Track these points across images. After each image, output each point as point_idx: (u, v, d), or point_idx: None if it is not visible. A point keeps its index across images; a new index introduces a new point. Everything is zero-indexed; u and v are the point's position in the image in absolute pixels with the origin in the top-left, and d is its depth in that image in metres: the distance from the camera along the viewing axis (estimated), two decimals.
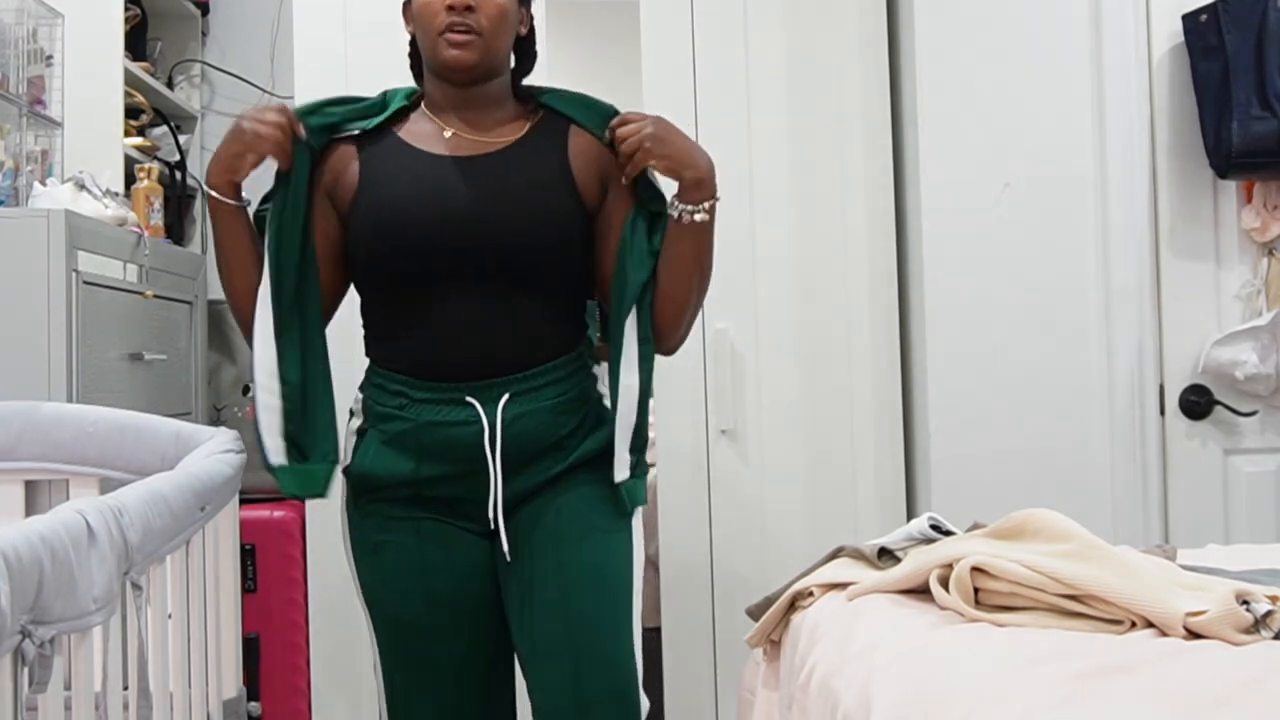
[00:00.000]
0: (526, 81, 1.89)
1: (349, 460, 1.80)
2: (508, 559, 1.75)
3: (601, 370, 1.84)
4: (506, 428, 1.72)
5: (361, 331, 1.86)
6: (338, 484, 1.81)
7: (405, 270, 1.73)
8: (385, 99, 1.84)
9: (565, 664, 1.71)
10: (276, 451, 1.73)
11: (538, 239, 1.72)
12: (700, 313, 1.86)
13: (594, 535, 1.76)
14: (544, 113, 1.82)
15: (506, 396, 1.72)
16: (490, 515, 1.73)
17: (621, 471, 1.75)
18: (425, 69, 1.83)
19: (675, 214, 1.74)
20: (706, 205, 1.73)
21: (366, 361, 1.85)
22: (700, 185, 1.72)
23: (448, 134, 1.78)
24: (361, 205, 1.75)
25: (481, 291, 1.72)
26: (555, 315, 1.78)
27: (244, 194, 1.77)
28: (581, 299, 1.84)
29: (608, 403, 1.81)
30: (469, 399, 1.72)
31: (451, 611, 1.77)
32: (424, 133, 1.79)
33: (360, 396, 1.82)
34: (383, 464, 1.76)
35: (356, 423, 1.81)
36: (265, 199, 1.79)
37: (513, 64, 1.85)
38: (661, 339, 1.80)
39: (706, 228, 1.75)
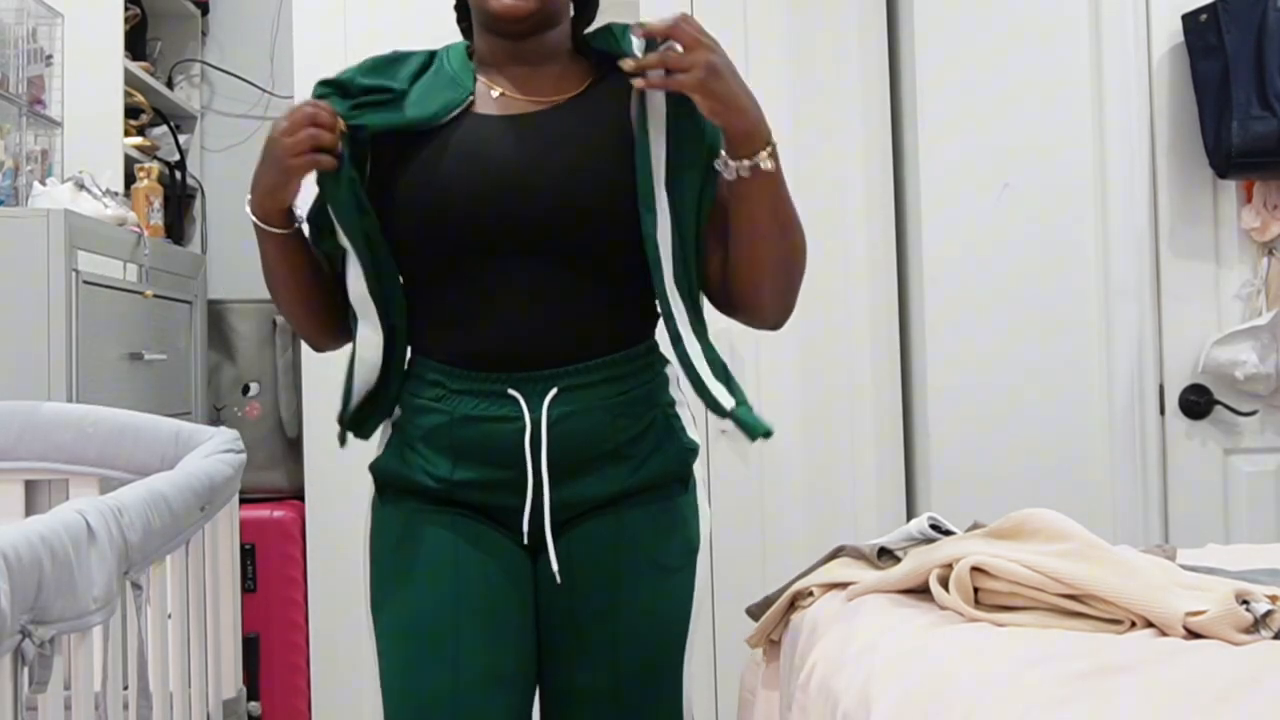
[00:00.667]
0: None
1: (380, 454, 1.61)
2: (557, 580, 1.50)
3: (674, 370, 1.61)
4: (552, 427, 1.49)
5: None
6: (362, 483, 1.66)
7: (442, 242, 1.50)
8: (436, 58, 1.60)
9: (607, 717, 1.54)
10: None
11: (592, 206, 1.48)
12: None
13: (656, 575, 1.54)
14: (607, 69, 1.55)
15: (554, 391, 1.49)
16: (525, 529, 1.49)
17: (725, 398, 1.50)
18: (475, 23, 1.60)
19: (730, 173, 1.46)
20: (765, 152, 1.44)
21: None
22: (747, 139, 1.44)
23: (495, 93, 1.55)
24: (399, 175, 1.52)
25: (530, 269, 1.49)
26: (615, 300, 1.54)
27: (296, 211, 1.55)
28: (649, 285, 1.56)
29: (682, 411, 1.59)
30: (511, 392, 1.49)
31: (485, 616, 1.51)
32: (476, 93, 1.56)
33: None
34: (414, 463, 1.55)
35: (394, 414, 1.61)
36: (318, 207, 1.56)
37: (572, 12, 1.61)
38: (759, 311, 1.59)
39: (772, 178, 1.46)
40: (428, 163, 1.51)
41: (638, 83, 1.44)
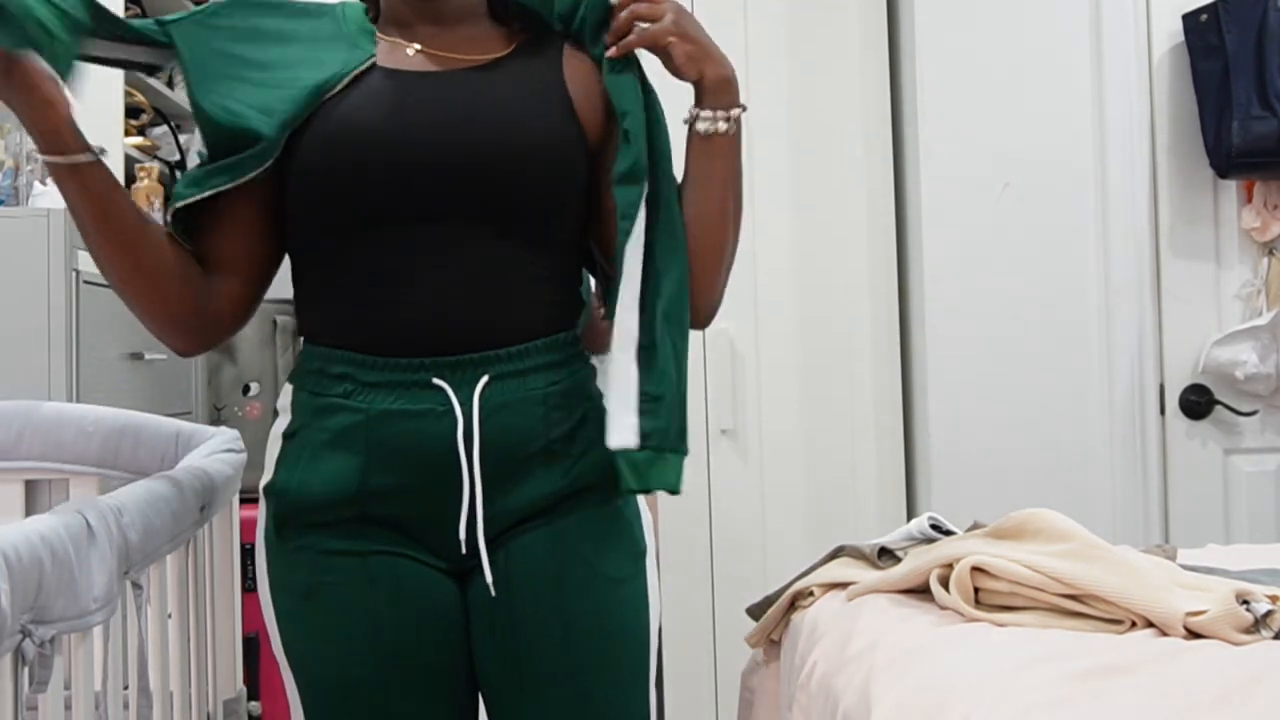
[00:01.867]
0: None
1: (272, 475, 1.38)
2: (492, 593, 1.32)
3: (601, 362, 1.44)
4: (485, 421, 1.30)
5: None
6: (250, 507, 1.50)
7: (354, 206, 1.31)
8: (333, 11, 1.43)
9: None
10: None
11: (526, 166, 1.32)
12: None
13: (605, 587, 1.36)
14: (530, 34, 1.43)
15: (485, 379, 1.31)
16: (463, 538, 1.31)
17: (622, 435, 1.30)
18: None
19: (702, 127, 1.36)
20: (734, 113, 1.35)
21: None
22: (727, 86, 1.35)
23: (411, 51, 1.38)
24: (304, 133, 1.33)
25: (453, 238, 1.32)
26: (547, 276, 1.37)
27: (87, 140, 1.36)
28: (579, 261, 1.44)
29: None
30: (436, 381, 1.30)
31: (407, 671, 1.34)
32: (381, 53, 1.39)
33: (290, 389, 1.39)
34: (319, 477, 1.34)
35: (284, 423, 1.39)
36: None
37: None
38: (696, 297, 1.41)
39: (735, 143, 1.37)
40: (333, 121, 1.32)
41: (611, 52, 1.35)
